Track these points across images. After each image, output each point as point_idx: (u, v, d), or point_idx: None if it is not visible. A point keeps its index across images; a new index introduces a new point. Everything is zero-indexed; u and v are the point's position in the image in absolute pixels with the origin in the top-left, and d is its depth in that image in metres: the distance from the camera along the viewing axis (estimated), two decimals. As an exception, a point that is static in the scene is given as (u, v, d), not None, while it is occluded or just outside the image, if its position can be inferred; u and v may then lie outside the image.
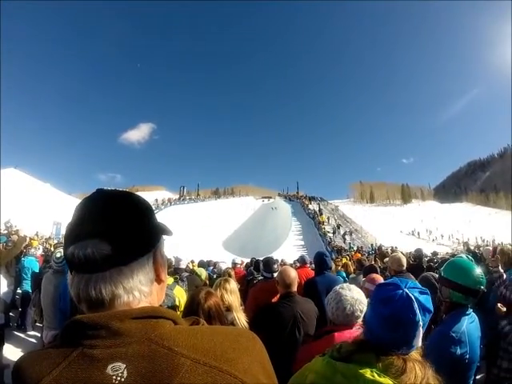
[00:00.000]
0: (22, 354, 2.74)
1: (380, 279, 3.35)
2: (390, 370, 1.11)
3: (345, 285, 2.20)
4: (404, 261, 4.31)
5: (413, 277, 4.22)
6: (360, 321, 2.07)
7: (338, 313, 2.03)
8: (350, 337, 1.95)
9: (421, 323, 1.16)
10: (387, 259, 5.13)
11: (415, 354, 1.18)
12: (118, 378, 0.56)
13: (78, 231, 0.65)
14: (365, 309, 2.08)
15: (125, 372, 0.57)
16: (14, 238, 8.20)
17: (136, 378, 0.56)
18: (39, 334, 6.75)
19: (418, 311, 1.15)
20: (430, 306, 1.20)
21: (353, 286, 2.18)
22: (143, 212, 0.72)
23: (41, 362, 0.62)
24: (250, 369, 0.62)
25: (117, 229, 0.65)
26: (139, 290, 0.68)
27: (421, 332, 1.18)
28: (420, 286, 1.29)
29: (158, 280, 0.74)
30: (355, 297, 2.06)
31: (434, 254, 13.96)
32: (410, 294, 1.17)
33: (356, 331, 2.01)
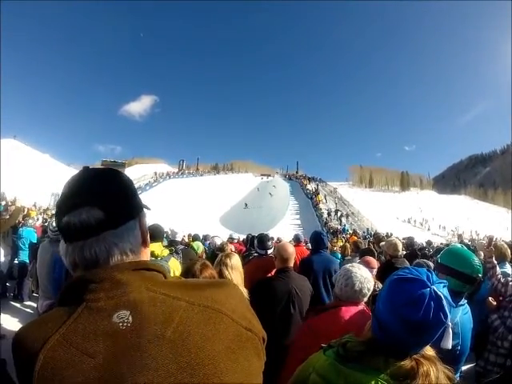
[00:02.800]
0: (18, 324, 2.89)
1: (374, 262, 3.37)
2: (400, 376, 1.01)
3: (354, 264, 2.27)
4: (400, 246, 4.38)
5: (408, 263, 4.26)
6: (365, 299, 2.12)
7: (346, 289, 2.06)
8: (355, 312, 2.01)
9: (449, 322, 1.07)
10: (383, 243, 5.15)
11: (428, 351, 1.08)
12: (125, 324, 0.63)
13: (71, 203, 0.71)
14: (371, 287, 2.13)
15: (130, 318, 0.63)
16: (11, 208, 8.19)
17: (141, 321, 0.63)
18: (36, 305, 6.57)
19: (448, 310, 1.03)
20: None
21: (361, 266, 2.23)
22: (128, 184, 0.80)
23: (45, 325, 0.66)
24: (237, 308, 0.73)
25: (107, 197, 0.73)
26: (130, 249, 0.75)
27: (450, 332, 1.12)
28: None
29: (144, 243, 0.81)
30: (364, 275, 2.11)
31: (429, 243, 13.68)
32: (439, 292, 1.03)
33: (360, 307, 2.06)
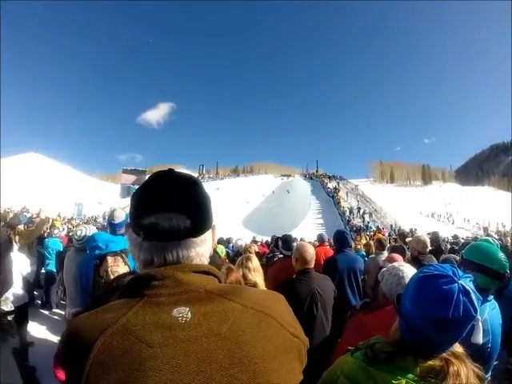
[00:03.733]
0: (46, 331, 2.92)
1: (400, 260, 3.31)
2: (430, 376, 0.99)
3: (402, 263, 2.23)
4: (429, 243, 4.29)
5: (435, 259, 4.19)
6: None
7: (397, 288, 1.98)
8: None
9: (479, 316, 1.05)
10: (410, 239, 5.07)
11: (457, 348, 1.06)
12: (184, 319, 0.67)
13: (161, 204, 0.76)
14: None
15: (189, 313, 0.68)
16: (36, 220, 8.38)
17: (199, 317, 0.68)
18: (63, 312, 6.80)
19: (477, 304, 1.00)
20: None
21: (408, 265, 2.17)
22: (208, 195, 0.86)
23: (104, 315, 0.70)
24: (284, 315, 0.79)
25: (195, 206, 0.80)
26: (204, 255, 0.83)
27: (480, 327, 1.10)
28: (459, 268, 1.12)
29: (211, 249, 0.88)
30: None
31: (455, 237, 13.39)
32: (467, 286, 1.01)
33: None
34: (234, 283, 2.22)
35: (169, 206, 0.76)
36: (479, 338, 1.10)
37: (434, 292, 1.01)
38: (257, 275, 2.86)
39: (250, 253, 5.41)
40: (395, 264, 2.15)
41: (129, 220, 0.84)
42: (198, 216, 0.79)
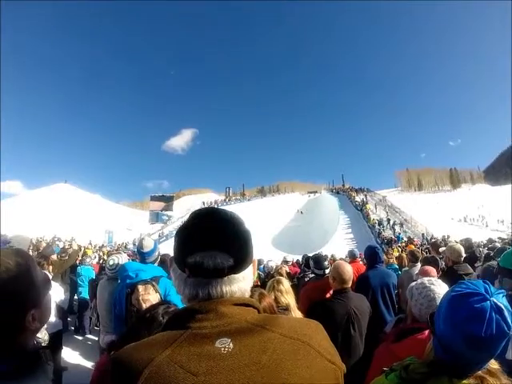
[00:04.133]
0: (79, 357, 3.04)
1: (434, 272, 3.21)
2: None
3: (433, 279, 2.08)
4: (463, 251, 4.17)
5: (470, 268, 4.08)
6: None
7: (427, 311, 1.88)
8: None
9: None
10: (443, 249, 4.96)
11: (493, 365, 1.03)
12: (226, 349, 0.71)
13: (205, 242, 0.81)
14: None
15: (231, 344, 0.72)
16: (69, 250, 8.60)
17: (240, 347, 0.71)
18: (96, 338, 6.95)
19: (510, 321, 0.99)
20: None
21: (441, 282, 2.04)
22: (250, 232, 0.88)
23: (151, 346, 0.75)
24: (322, 343, 0.80)
25: (238, 245, 0.83)
26: (246, 289, 0.87)
27: None
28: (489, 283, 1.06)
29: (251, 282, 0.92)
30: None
31: (490, 241, 12.53)
32: (500, 303, 0.99)
33: None
34: (267, 308, 2.24)
35: (213, 245, 0.80)
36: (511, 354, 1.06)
37: (467, 310, 1.00)
38: (288, 297, 2.84)
39: (281, 274, 5.40)
40: (425, 282, 2.04)
41: (173, 255, 0.88)
42: (239, 254, 0.83)
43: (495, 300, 0.99)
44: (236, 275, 0.83)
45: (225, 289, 0.81)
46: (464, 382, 1.00)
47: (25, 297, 1.03)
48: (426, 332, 1.84)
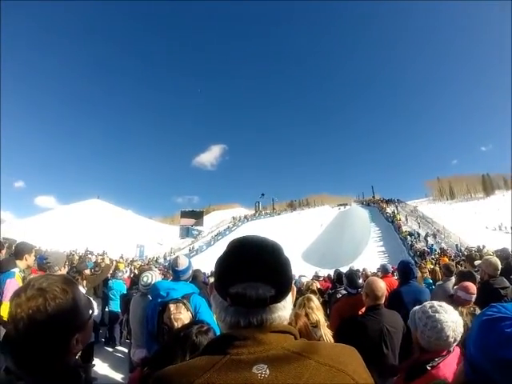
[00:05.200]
0: (108, 368, 3.58)
1: (474, 289, 3.13)
2: None
3: (436, 305, 1.96)
4: (499, 265, 4.06)
5: (507, 281, 3.98)
6: (455, 343, 1.87)
7: (438, 342, 1.84)
8: (453, 364, 1.79)
9: None
10: (478, 262, 4.83)
11: None
12: (263, 375, 0.72)
13: (246, 273, 0.83)
14: (462, 329, 1.88)
15: (267, 371, 0.73)
16: (102, 264, 8.78)
17: (276, 373, 0.73)
18: (126, 350, 7.14)
19: None
20: None
21: (446, 306, 1.95)
22: (288, 260, 0.90)
23: (190, 369, 0.78)
24: (357, 370, 0.81)
25: (279, 275, 0.85)
26: (285, 317, 0.88)
27: None
28: None
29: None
30: (454, 319, 1.87)
31: None
32: None
33: (455, 353, 1.86)
34: (302, 328, 2.32)
35: (254, 276, 0.82)
36: None
37: (497, 336, 0.96)
38: (319, 314, 2.88)
39: (313, 289, 5.37)
40: (427, 310, 1.94)
41: (214, 283, 0.91)
42: (281, 284, 0.85)
43: None
44: (277, 304, 0.84)
45: (265, 317, 0.83)
46: None
47: (71, 322, 1.07)
48: (441, 365, 1.80)
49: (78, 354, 1.40)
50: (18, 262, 3.88)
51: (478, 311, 2.73)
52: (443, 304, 1.98)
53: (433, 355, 1.86)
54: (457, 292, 3.16)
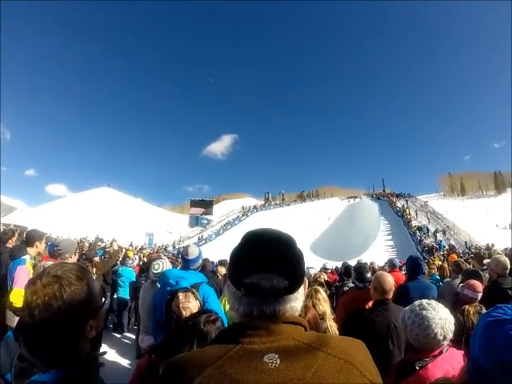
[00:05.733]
0: (116, 354, 3.95)
1: (480, 287, 3.12)
2: None
3: (424, 302, 1.95)
4: (508, 264, 4.02)
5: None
6: (446, 342, 1.85)
7: (426, 340, 1.82)
8: (444, 365, 1.78)
9: None
10: (487, 261, 4.79)
11: None
12: (274, 365, 0.75)
13: (260, 264, 0.85)
14: (453, 327, 1.87)
15: (278, 360, 0.76)
16: (110, 250, 8.86)
17: (287, 363, 0.75)
18: (133, 336, 7.28)
19: None
20: None
21: (435, 303, 1.93)
22: (301, 252, 0.93)
23: (202, 357, 0.81)
24: (364, 363, 0.83)
25: (293, 267, 0.88)
26: (297, 308, 0.90)
27: None
28: None
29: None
30: (443, 317, 1.85)
31: None
32: None
33: (449, 354, 1.84)
34: (311, 319, 2.34)
35: (269, 267, 0.84)
36: None
37: (502, 338, 0.97)
38: (325, 305, 2.90)
39: (320, 281, 5.39)
40: (416, 308, 1.92)
41: (228, 275, 0.94)
42: (294, 276, 0.87)
43: None
44: (290, 296, 0.86)
45: (278, 308, 0.85)
46: None
47: (86, 309, 1.10)
48: (429, 365, 1.79)
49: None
50: (28, 249, 3.92)
51: (484, 310, 2.71)
52: (432, 302, 1.96)
53: (423, 355, 1.85)
54: (463, 290, 3.14)
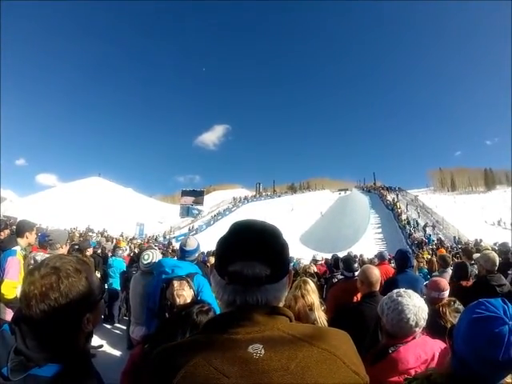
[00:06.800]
0: (107, 345, 3.96)
1: (445, 284, 3.02)
2: None
3: (401, 290, 2.03)
4: (497, 261, 4.03)
5: (503, 278, 3.98)
6: (420, 329, 1.92)
7: (400, 325, 1.88)
8: (416, 350, 1.85)
9: None
10: (477, 256, 4.83)
11: (508, 379, 1.07)
12: (258, 355, 0.76)
13: (246, 252, 0.86)
14: (426, 316, 1.93)
15: (262, 350, 0.77)
16: (102, 240, 8.82)
17: (270, 353, 0.76)
18: (124, 327, 7.19)
19: None
20: None
21: (411, 292, 2.01)
22: (287, 244, 0.95)
23: (188, 347, 0.84)
24: (348, 353, 0.85)
25: (276, 256, 0.89)
26: (280, 298, 0.92)
27: None
28: None
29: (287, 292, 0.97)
30: (417, 304, 1.91)
31: None
32: None
33: (421, 340, 1.91)
34: (301, 309, 2.33)
35: (252, 255, 0.85)
36: None
37: (486, 335, 1.03)
38: (314, 296, 2.89)
39: (309, 272, 5.42)
40: (393, 295, 2.00)
41: (214, 264, 0.95)
42: (277, 265, 0.88)
43: None
44: (273, 285, 0.87)
45: (260, 297, 0.86)
46: None
47: (83, 301, 1.11)
48: (401, 348, 1.86)
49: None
50: (19, 239, 3.91)
51: (458, 305, 2.75)
52: (408, 291, 2.02)
53: (397, 341, 1.91)
54: (430, 293, 3.01)
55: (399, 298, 1.94)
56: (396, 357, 1.84)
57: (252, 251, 0.87)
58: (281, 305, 0.93)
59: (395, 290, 2.07)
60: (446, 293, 3.02)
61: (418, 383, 1.18)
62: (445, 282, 3.14)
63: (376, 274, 3.09)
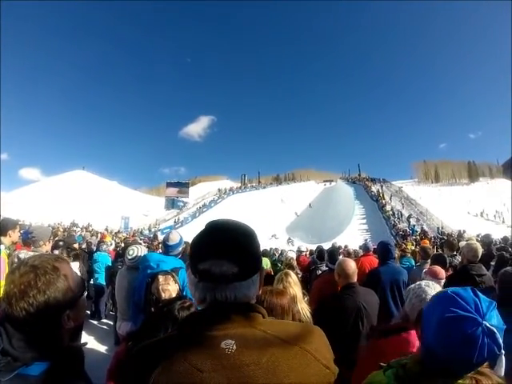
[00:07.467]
0: (94, 341, 3.98)
1: (442, 273, 3.17)
2: None
3: (430, 283, 2.15)
4: (480, 252, 4.03)
5: (484, 268, 3.98)
6: None
7: (419, 310, 1.91)
8: None
9: (502, 351, 1.01)
10: (462, 244, 4.89)
11: (485, 368, 1.04)
12: (230, 350, 0.81)
13: (215, 251, 0.89)
14: None
15: (234, 346, 0.82)
16: (87, 235, 8.71)
17: (242, 349, 0.82)
18: (111, 323, 7.18)
19: (501, 342, 0.99)
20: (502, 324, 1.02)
21: (436, 285, 2.12)
22: (259, 244, 0.99)
23: (164, 344, 0.91)
24: (319, 348, 0.91)
25: (245, 255, 0.92)
26: (250, 296, 0.94)
27: (503, 360, 1.07)
28: (488, 299, 1.06)
29: (259, 290, 0.99)
30: None
31: (505, 239, 11.15)
32: (491, 327, 0.98)
33: None
34: (285, 304, 2.32)
35: (221, 254, 0.88)
36: (501, 371, 1.08)
37: (459, 336, 1.01)
38: (296, 288, 2.90)
39: (291, 265, 5.46)
40: (422, 284, 2.12)
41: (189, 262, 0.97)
42: (245, 263, 0.91)
43: (487, 324, 0.99)
44: (241, 282, 0.90)
45: (229, 294, 0.89)
46: (459, 381, 1.02)
47: (61, 298, 1.12)
48: (412, 332, 1.93)
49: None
50: (2, 238, 3.80)
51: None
52: (435, 284, 2.15)
53: (410, 325, 1.98)
54: (426, 277, 3.13)
55: (425, 288, 2.05)
56: (407, 337, 1.92)
57: (221, 250, 0.90)
58: (252, 302, 0.96)
59: (424, 282, 2.18)
60: (443, 281, 3.16)
61: (394, 372, 1.17)
62: (442, 270, 3.28)
63: (352, 266, 3.14)
